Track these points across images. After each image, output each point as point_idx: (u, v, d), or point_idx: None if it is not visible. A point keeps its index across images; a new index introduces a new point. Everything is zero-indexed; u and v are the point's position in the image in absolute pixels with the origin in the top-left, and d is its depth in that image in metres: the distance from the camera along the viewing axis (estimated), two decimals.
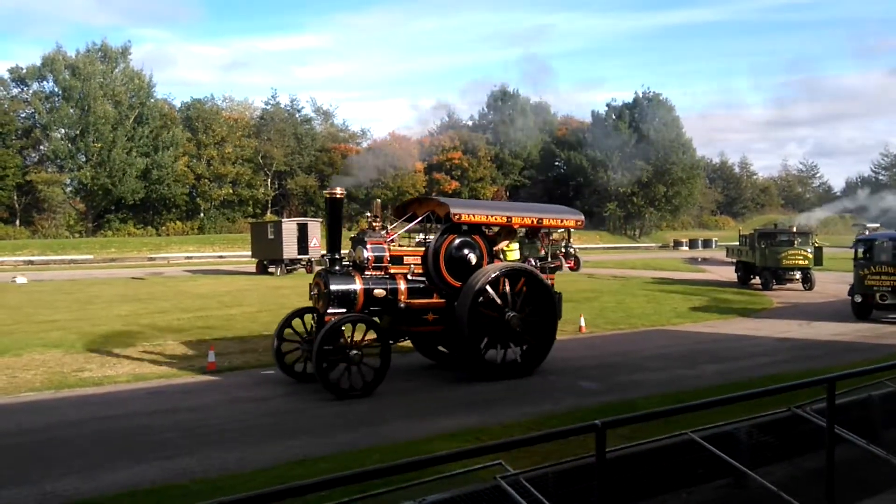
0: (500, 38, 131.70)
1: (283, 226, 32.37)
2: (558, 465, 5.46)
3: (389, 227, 10.90)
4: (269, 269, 32.21)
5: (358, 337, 9.29)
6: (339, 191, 9.83)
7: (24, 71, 57.18)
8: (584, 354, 12.31)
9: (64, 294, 22.82)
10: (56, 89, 57.34)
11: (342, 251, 9.84)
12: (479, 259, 10.21)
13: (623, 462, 5.50)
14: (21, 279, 28.29)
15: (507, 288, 10.01)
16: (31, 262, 43.15)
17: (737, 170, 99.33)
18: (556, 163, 76.62)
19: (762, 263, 24.37)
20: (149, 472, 6.37)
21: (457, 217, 9.96)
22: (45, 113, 56.53)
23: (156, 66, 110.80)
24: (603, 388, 9.72)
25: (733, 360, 11.76)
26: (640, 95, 74.33)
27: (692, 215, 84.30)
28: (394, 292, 9.76)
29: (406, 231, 11.49)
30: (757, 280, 25.10)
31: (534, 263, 10.94)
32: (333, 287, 9.39)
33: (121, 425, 7.92)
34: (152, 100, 60.61)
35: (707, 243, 63.92)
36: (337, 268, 9.62)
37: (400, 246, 10.63)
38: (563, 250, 35.17)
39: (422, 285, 10.01)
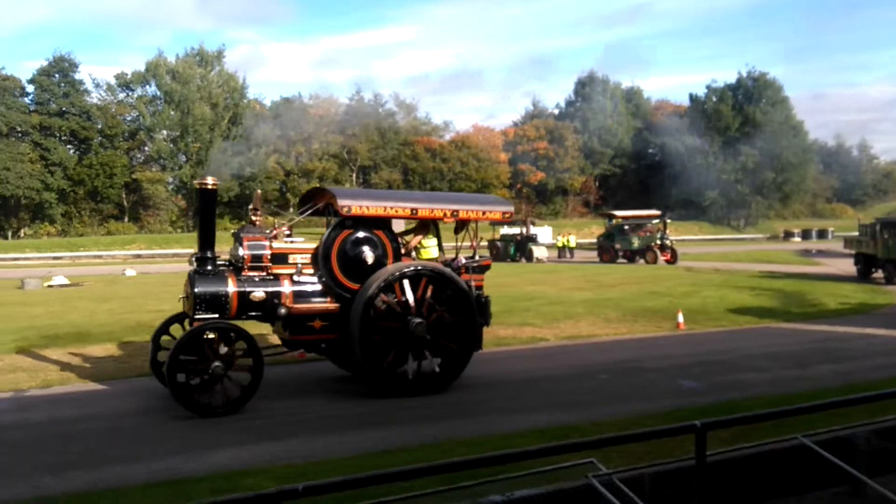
0: (588, 22, 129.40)
1: None
2: (654, 467, 5.30)
3: (280, 221, 9.97)
4: None
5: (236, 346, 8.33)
6: (210, 181, 8.87)
7: (130, 77, 61.62)
8: (683, 352, 11.90)
9: (169, 286, 24.20)
10: (159, 93, 61.28)
11: (216, 250, 8.93)
12: (380, 258, 9.04)
13: (725, 466, 5.27)
14: (130, 272, 30.62)
15: (409, 292, 8.86)
16: (138, 256, 46.29)
17: (855, 153, 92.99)
18: (650, 150, 74.42)
19: (885, 255, 22.77)
20: (241, 455, 6.75)
21: (345, 209, 8.76)
22: (148, 116, 60.46)
23: (248, 67, 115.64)
24: (703, 388, 9.35)
25: (850, 361, 11.03)
26: (744, 76, 71.06)
27: (805, 203, 79.77)
28: (276, 295, 8.68)
29: (291, 224, 9.91)
30: (879, 274, 23.48)
31: (461, 262, 9.68)
32: (199, 289, 8.41)
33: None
34: (245, 100, 63.52)
35: (822, 234, 60.42)
36: (209, 267, 8.68)
37: (291, 242, 9.37)
38: (658, 242, 34.15)
39: (312, 288, 8.92)
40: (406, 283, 8.86)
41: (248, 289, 8.59)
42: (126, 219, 61.20)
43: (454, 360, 9.18)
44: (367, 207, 8.94)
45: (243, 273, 8.72)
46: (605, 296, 19.74)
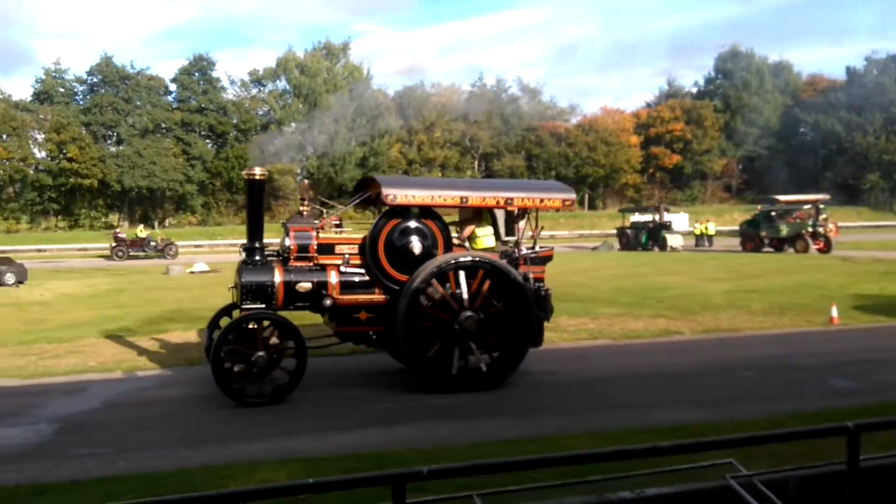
0: None
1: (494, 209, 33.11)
2: (799, 470, 4.99)
3: (331, 211, 9.93)
4: None
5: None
6: (258, 172, 8.97)
7: (261, 73, 65.52)
8: (836, 349, 11.07)
9: None
10: (288, 87, 64.78)
11: (264, 240, 9.13)
12: (428, 248, 8.86)
13: (881, 473, 4.88)
14: None
15: (458, 284, 8.69)
16: (269, 245, 49.08)
17: None
18: (801, 129, 69.37)
19: None
20: (370, 436, 7.08)
21: (390, 199, 8.67)
22: (278, 109, 63.95)
23: (372, 58, 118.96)
24: (859, 387, 8.69)
25: None
26: None
27: None
28: (322, 286, 8.77)
29: (338, 214, 9.95)
30: None
31: (518, 253, 9.41)
32: (245, 279, 8.66)
33: (341, 393, 8.79)
34: (369, 91, 65.59)
35: None
36: (257, 258, 8.88)
37: (340, 233, 9.46)
38: (810, 230, 31.90)
39: (360, 279, 8.92)
40: (454, 274, 8.69)
41: (293, 279, 8.75)
42: None
43: (507, 356, 8.92)
44: (413, 196, 8.82)
45: (290, 263, 8.86)
46: (748, 287, 18.71)
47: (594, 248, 40.10)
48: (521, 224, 9.75)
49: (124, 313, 16.08)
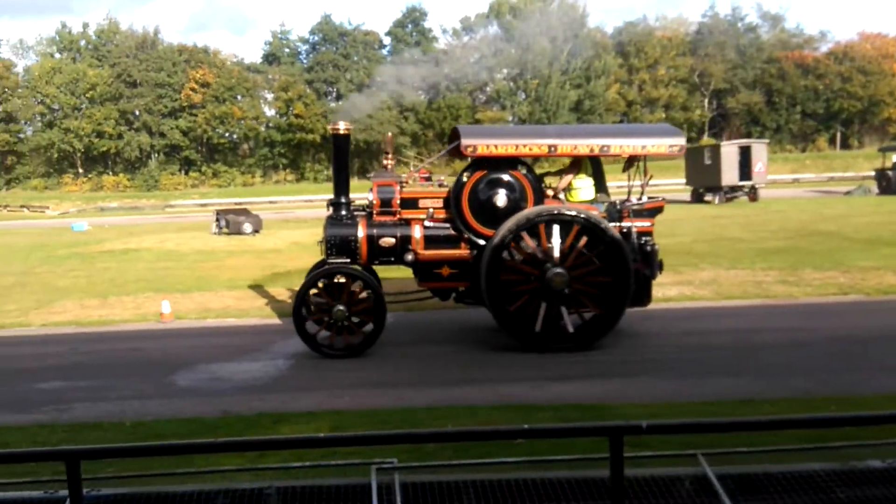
0: None
1: (722, 149, 31.22)
2: None
3: (420, 164, 9.14)
4: (706, 198, 31.60)
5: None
6: (342, 126, 9.09)
7: (473, 19, 66.47)
8: None
9: None
10: (500, 32, 65.19)
11: (350, 195, 9.21)
12: (516, 201, 8.57)
13: None
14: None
15: (549, 238, 8.28)
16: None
17: None
18: None
19: None
20: (589, 388, 7.08)
21: (469, 150, 8.47)
22: (490, 56, 64.67)
23: None
24: None
25: None
26: None
27: None
28: (405, 241, 8.79)
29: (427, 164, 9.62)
30: None
31: (617, 205, 8.83)
32: (329, 233, 8.90)
33: None
34: (585, 30, 63.89)
35: None
36: (343, 213, 9.02)
37: (430, 186, 9.33)
38: None
39: (445, 233, 8.81)
40: (545, 228, 8.35)
41: (377, 233, 8.87)
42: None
43: (601, 316, 8.54)
44: (495, 146, 8.57)
45: (374, 218, 8.97)
46: None
47: (847, 193, 35.99)
48: (631, 173, 9.24)
49: None
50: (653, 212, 9.03)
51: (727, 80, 62.03)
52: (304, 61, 68.94)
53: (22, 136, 64.11)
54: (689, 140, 60.31)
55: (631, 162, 9.31)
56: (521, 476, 4.30)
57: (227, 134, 64.31)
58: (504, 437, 3.67)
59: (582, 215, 8.39)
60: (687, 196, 33.40)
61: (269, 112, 65.32)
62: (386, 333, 8.85)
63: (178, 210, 47.66)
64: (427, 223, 8.92)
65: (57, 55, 66.89)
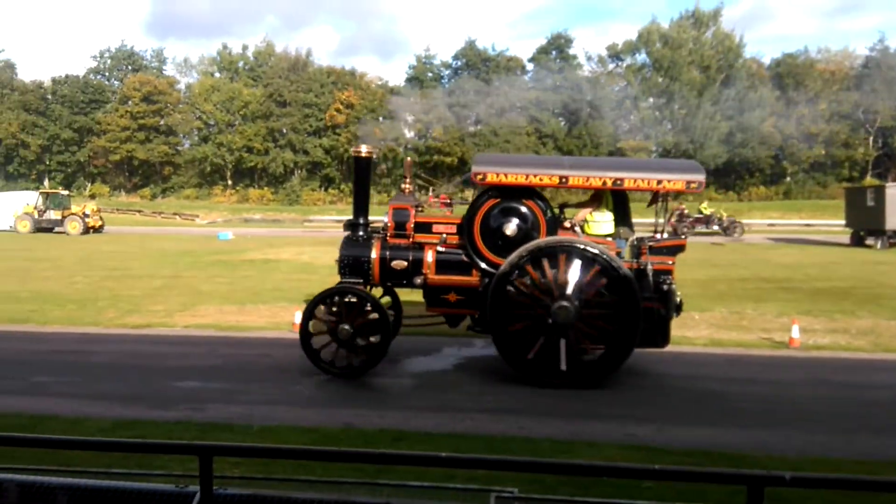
0: None
1: (888, 191, 29.02)
2: None
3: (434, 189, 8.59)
4: (867, 242, 29.49)
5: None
6: (364, 149, 9.39)
7: (620, 47, 65.82)
8: None
9: None
10: (648, 61, 64.19)
11: (369, 217, 9.53)
12: (526, 231, 8.60)
13: None
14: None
15: (571, 272, 8.20)
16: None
17: None
18: None
19: None
20: (724, 436, 6.80)
21: (479, 178, 8.59)
22: (636, 84, 63.70)
23: (748, 24, 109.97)
24: None
25: None
26: None
27: None
28: (417, 264, 8.93)
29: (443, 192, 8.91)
30: None
31: (631, 240, 8.89)
32: (343, 253, 9.25)
33: (696, 386, 8.63)
34: (741, 60, 61.65)
35: None
36: (360, 233, 9.27)
37: (450, 212, 9.64)
38: None
39: (457, 259, 8.90)
40: (551, 260, 8.27)
41: (389, 255, 9.08)
42: None
43: (608, 354, 8.40)
44: (505, 175, 8.57)
45: (389, 241, 9.17)
46: None
47: None
48: (658, 208, 9.21)
49: None
50: (673, 250, 8.86)
51: (895, 118, 57.66)
52: (446, 85, 70.74)
53: (179, 148, 69.94)
54: (850, 180, 56.99)
55: (656, 198, 9.23)
56: None
57: None
58: (633, 476, 3.51)
59: (592, 249, 8.33)
60: (846, 239, 31.32)
61: (409, 134, 67.43)
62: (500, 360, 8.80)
63: (315, 225, 49.88)
64: (440, 248, 9.10)
65: (216, 74, 72.48)
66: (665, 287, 8.51)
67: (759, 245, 31.21)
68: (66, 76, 70.84)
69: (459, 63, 69.85)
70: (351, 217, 9.66)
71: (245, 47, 73.76)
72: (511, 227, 8.68)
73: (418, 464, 4.07)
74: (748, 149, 57.94)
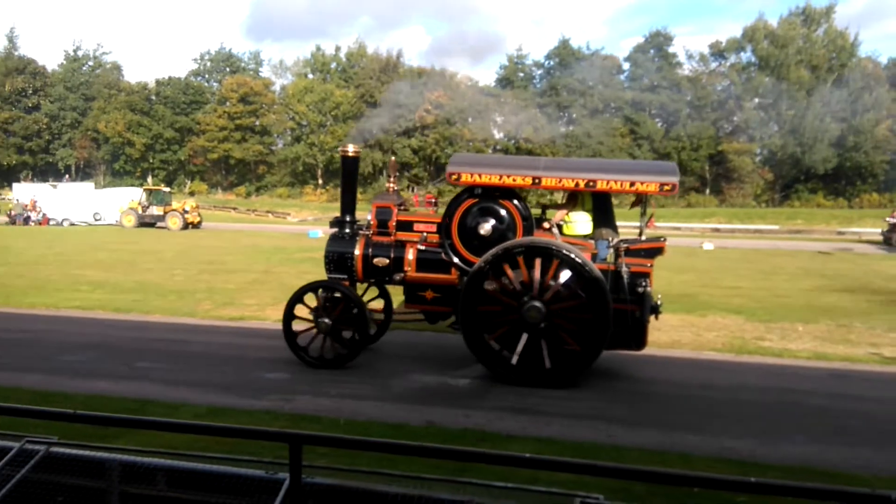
0: None
1: None
2: None
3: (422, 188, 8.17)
4: None
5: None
6: (351, 149, 9.79)
7: (724, 45, 63.78)
8: None
9: (748, 263, 24.80)
10: (753, 59, 61.91)
11: (355, 215, 9.96)
12: (502, 231, 8.84)
13: None
14: (708, 245, 32.61)
15: (523, 271, 8.44)
16: (717, 230, 48.19)
17: None
18: None
19: None
20: (826, 453, 6.56)
21: (454, 178, 8.87)
22: (740, 84, 61.52)
23: (864, 21, 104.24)
24: None
25: None
26: None
27: None
28: (398, 262, 9.32)
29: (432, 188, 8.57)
30: None
31: (610, 242, 8.91)
32: (328, 249, 9.73)
33: (799, 400, 8.30)
34: (854, 59, 58.65)
35: None
36: (346, 231, 9.71)
37: (434, 211, 10.11)
38: None
39: (437, 258, 9.20)
40: (526, 260, 8.42)
41: (371, 253, 9.49)
42: (707, 191, 63.94)
43: (578, 354, 8.45)
44: (479, 175, 8.81)
45: (372, 238, 9.55)
46: None
47: None
48: (639, 210, 9.20)
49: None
50: (651, 252, 8.83)
51: None
52: (538, 85, 70.36)
53: (273, 148, 72.45)
54: None
55: (639, 200, 9.24)
56: None
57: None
58: (727, 489, 3.44)
59: (562, 250, 8.41)
60: None
61: (498, 135, 67.46)
62: (596, 365, 8.71)
63: None
64: (420, 247, 9.42)
65: (310, 75, 74.63)
66: (641, 289, 8.57)
67: (871, 255, 29.79)
68: (169, 78, 74.68)
69: (552, 63, 69.31)
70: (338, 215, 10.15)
71: (338, 48, 75.82)
72: (486, 226, 8.95)
73: (500, 463, 4.10)
74: (861, 153, 55.13)
